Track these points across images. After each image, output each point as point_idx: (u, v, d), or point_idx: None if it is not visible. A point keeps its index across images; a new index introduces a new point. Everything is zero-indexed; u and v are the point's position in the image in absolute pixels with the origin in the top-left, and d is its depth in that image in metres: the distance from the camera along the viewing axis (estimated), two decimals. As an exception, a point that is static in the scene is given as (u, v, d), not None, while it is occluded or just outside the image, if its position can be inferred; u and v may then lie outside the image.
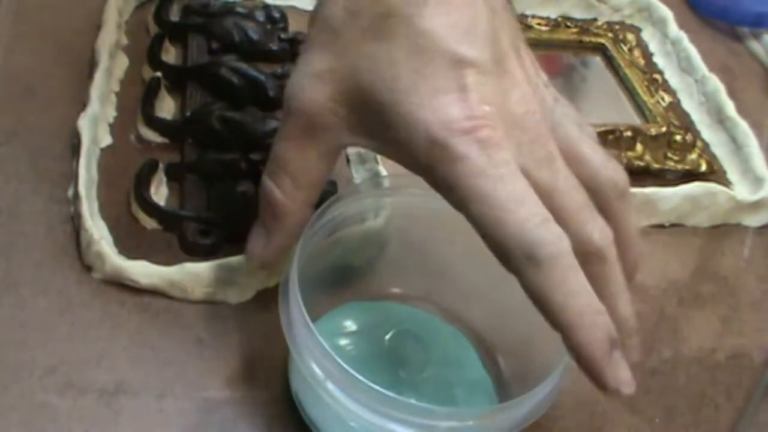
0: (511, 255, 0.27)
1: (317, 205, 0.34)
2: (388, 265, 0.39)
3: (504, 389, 0.36)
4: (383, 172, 0.44)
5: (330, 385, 0.30)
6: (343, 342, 0.36)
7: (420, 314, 0.39)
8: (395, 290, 0.39)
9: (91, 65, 0.48)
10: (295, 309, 0.31)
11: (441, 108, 0.27)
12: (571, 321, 0.27)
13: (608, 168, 0.31)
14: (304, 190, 0.32)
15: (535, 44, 0.57)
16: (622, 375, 0.27)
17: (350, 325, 0.37)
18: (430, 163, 0.28)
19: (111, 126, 0.46)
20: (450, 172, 0.27)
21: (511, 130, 0.28)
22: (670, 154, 0.51)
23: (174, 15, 0.54)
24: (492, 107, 0.28)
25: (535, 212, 0.27)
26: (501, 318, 0.37)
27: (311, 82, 0.30)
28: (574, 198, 0.29)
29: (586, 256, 0.28)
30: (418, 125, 0.28)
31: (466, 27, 0.29)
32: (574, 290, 0.27)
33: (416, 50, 0.28)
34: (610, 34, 0.60)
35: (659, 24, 0.62)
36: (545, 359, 0.31)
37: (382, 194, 0.38)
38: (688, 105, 0.56)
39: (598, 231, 0.29)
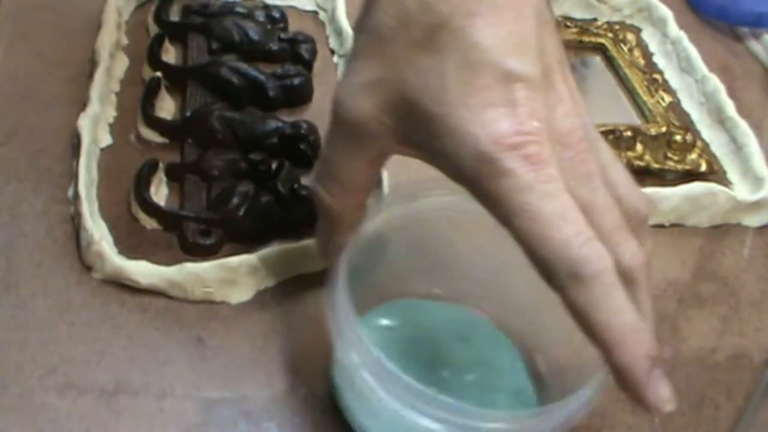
0: (554, 272, 0.27)
1: None
2: (440, 264, 0.39)
3: (544, 394, 0.36)
4: (383, 172, 0.44)
5: (365, 375, 0.30)
6: (391, 336, 0.36)
7: (470, 316, 0.39)
8: (442, 291, 0.39)
9: (91, 65, 0.48)
10: (341, 299, 0.31)
11: (490, 122, 0.27)
12: (613, 339, 0.27)
13: (634, 195, 0.31)
14: (354, 194, 0.32)
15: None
16: (662, 392, 0.28)
17: (400, 320, 0.38)
18: (477, 177, 0.28)
19: (111, 126, 0.46)
20: (496, 187, 0.27)
21: (555, 146, 0.28)
22: (670, 154, 0.51)
23: (174, 15, 0.54)
24: (540, 123, 0.28)
25: (579, 230, 0.27)
26: (542, 322, 0.37)
27: (360, 92, 0.30)
28: (610, 217, 0.29)
29: (624, 273, 0.28)
30: (466, 138, 0.27)
31: (517, 41, 0.28)
32: (616, 308, 0.27)
33: (467, 63, 0.28)
34: (610, 34, 0.60)
35: (659, 24, 0.62)
36: (585, 364, 0.31)
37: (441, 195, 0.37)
38: (688, 105, 0.56)
39: (629, 252, 0.29)
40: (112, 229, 0.40)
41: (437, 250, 0.39)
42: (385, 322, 0.37)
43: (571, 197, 0.28)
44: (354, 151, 0.31)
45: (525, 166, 0.27)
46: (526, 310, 0.38)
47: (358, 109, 0.30)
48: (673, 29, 0.60)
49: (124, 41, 0.52)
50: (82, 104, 0.45)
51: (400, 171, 0.47)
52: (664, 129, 0.52)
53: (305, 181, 0.44)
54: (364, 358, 0.30)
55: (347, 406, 0.34)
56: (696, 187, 0.48)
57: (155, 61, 0.50)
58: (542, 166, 0.27)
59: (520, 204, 0.27)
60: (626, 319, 0.27)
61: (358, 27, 0.31)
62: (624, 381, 0.27)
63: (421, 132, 0.29)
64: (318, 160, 0.33)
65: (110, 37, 0.50)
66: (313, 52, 0.53)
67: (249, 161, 0.43)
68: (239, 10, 0.54)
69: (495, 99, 0.28)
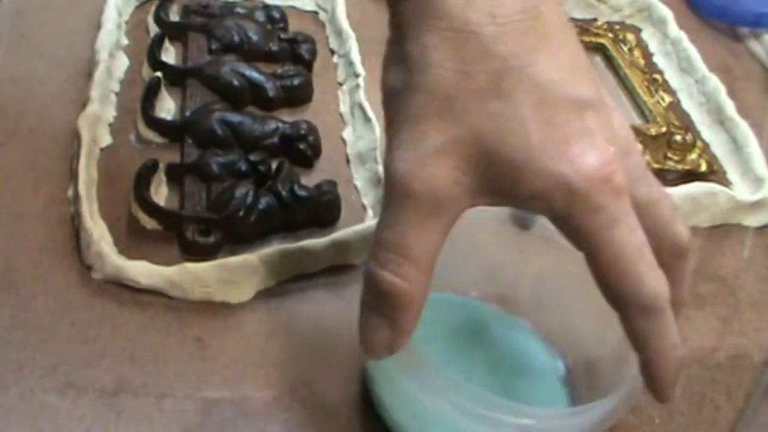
0: (626, 304, 0.28)
1: None
2: (471, 265, 0.39)
3: (576, 397, 0.36)
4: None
5: (400, 365, 0.30)
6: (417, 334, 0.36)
7: (500, 315, 0.39)
8: (481, 289, 0.39)
9: (91, 65, 0.48)
10: None
11: (577, 157, 0.27)
12: (661, 358, 0.29)
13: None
14: (428, 270, 0.29)
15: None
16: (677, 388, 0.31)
17: (429, 315, 0.38)
18: (569, 213, 0.28)
19: (111, 126, 0.46)
20: (588, 222, 0.28)
21: (623, 159, 0.29)
22: (670, 154, 0.51)
23: (174, 15, 0.54)
24: (613, 145, 0.28)
25: (650, 263, 0.28)
26: (567, 322, 0.38)
27: (433, 158, 0.28)
28: (667, 206, 0.30)
29: (676, 255, 0.30)
30: (558, 179, 0.27)
31: (572, 65, 0.28)
32: (668, 332, 0.29)
33: (541, 102, 0.27)
34: (610, 34, 0.60)
35: (659, 24, 0.62)
36: (618, 368, 0.32)
37: None
38: (688, 105, 0.56)
39: (685, 232, 0.31)
40: (112, 229, 0.40)
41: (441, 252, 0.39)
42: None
43: (638, 225, 0.28)
44: (430, 224, 0.28)
45: (613, 200, 0.27)
46: (548, 307, 0.38)
47: (435, 177, 0.28)
48: (673, 29, 0.60)
49: (124, 41, 0.52)
50: (82, 104, 0.45)
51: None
52: (664, 129, 0.52)
53: (305, 181, 0.44)
54: (405, 352, 0.30)
55: (380, 399, 0.34)
56: (696, 187, 0.47)
57: (155, 61, 0.50)
58: (624, 195, 0.28)
59: (608, 239, 0.28)
60: (674, 341, 0.29)
61: (408, 83, 0.29)
62: (658, 387, 0.30)
63: (503, 181, 0.28)
64: (377, 245, 0.29)
65: (110, 37, 0.50)
66: (313, 52, 0.53)
67: (249, 161, 0.43)
68: (239, 10, 0.54)
69: (574, 132, 0.28)
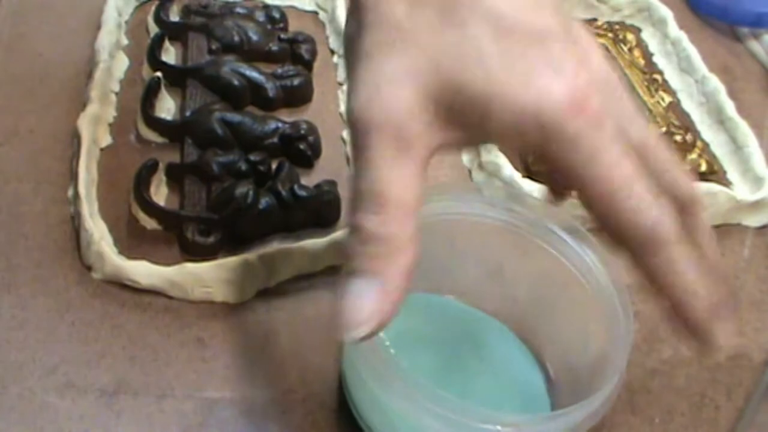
0: (626, 240, 0.27)
1: None
2: (442, 265, 0.38)
3: (556, 402, 0.36)
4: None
5: (375, 372, 0.30)
6: (402, 335, 0.36)
7: (483, 318, 0.39)
8: (448, 290, 0.39)
9: (91, 65, 0.48)
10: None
11: (544, 88, 0.26)
12: (681, 293, 0.28)
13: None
14: (412, 210, 0.27)
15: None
16: (729, 327, 0.28)
17: (410, 319, 0.37)
18: (545, 147, 0.27)
19: (111, 126, 0.46)
20: (566, 156, 0.26)
21: (601, 88, 0.27)
22: (670, 154, 0.51)
23: (174, 15, 0.54)
24: (587, 73, 0.27)
25: (646, 188, 0.27)
26: (550, 326, 0.37)
27: (386, 90, 0.26)
28: (664, 153, 0.29)
29: (683, 206, 0.29)
30: (525, 111, 0.26)
31: (533, 1, 0.27)
32: (684, 267, 0.28)
33: (499, 33, 0.26)
34: (610, 34, 0.60)
35: (659, 24, 0.62)
36: (596, 372, 0.32)
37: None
38: (688, 105, 0.56)
39: (685, 184, 0.29)
40: (112, 229, 0.40)
41: (438, 252, 0.39)
42: (404, 318, 0.37)
43: (630, 148, 0.27)
44: (402, 160, 0.26)
45: (589, 128, 0.26)
46: (533, 313, 0.38)
47: (391, 110, 0.26)
48: (673, 29, 0.60)
49: (124, 41, 0.52)
50: (82, 104, 0.45)
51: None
52: (664, 129, 0.52)
53: (305, 181, 0.44)
54: (375, 355, 0.30)
55: (356, 403, 0.34)
56: (696, 187, 0.47)
57: (155, 61, 0.50)
58: (603, 122, 0.26)
59: (592, 175, 0.27)
60: (693, 275, 0.28)
61: (360, 25, 0.28)
62: (691, 329, 0.28)
63: (470, 117, 0.27)
64: (354, 196, 0.27)
65: (110, 37, 0.50)
66: (313, 52, 0.53)
67: (249, 161, 0.43)
68: (239, 10, 0.54)
69: (538, 61, 0.26)
